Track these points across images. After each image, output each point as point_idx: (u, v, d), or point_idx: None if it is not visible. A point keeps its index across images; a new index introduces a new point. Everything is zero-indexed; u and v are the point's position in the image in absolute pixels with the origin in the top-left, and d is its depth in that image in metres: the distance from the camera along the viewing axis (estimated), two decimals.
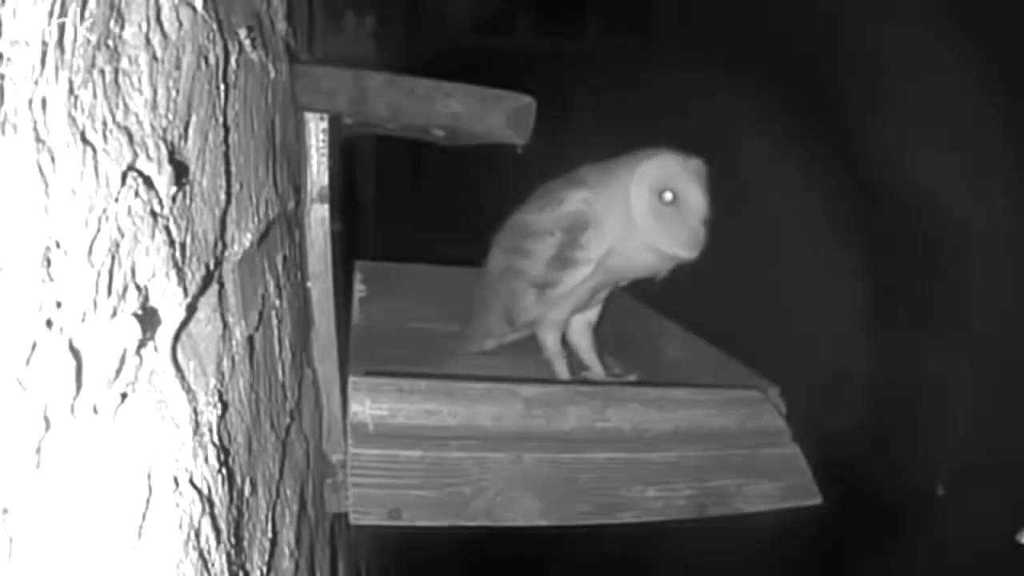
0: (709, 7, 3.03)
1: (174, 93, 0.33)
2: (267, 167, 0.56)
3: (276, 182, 0.59)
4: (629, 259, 0.72)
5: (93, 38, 0.25)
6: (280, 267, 0.62)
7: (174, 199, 0.33)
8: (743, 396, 0.65)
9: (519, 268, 0.77)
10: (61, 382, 0.23)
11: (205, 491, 0.36)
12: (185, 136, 0.35)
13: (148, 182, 0.30)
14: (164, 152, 0.31)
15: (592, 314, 0.84)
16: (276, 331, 0.58)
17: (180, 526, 0.32)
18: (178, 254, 0.33)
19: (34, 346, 0.22)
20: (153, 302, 0.30)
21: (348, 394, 0.57)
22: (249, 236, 0.49)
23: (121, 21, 0.28)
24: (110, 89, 0.27)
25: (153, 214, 0.30)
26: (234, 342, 0.44)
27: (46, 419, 0.23)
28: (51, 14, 0.23)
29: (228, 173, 0.43)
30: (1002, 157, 2.04)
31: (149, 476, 0.30)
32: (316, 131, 0.74)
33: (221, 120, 0.41)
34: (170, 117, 0.33)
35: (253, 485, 0.46)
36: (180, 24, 0.34)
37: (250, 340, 0.49)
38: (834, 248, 2.36)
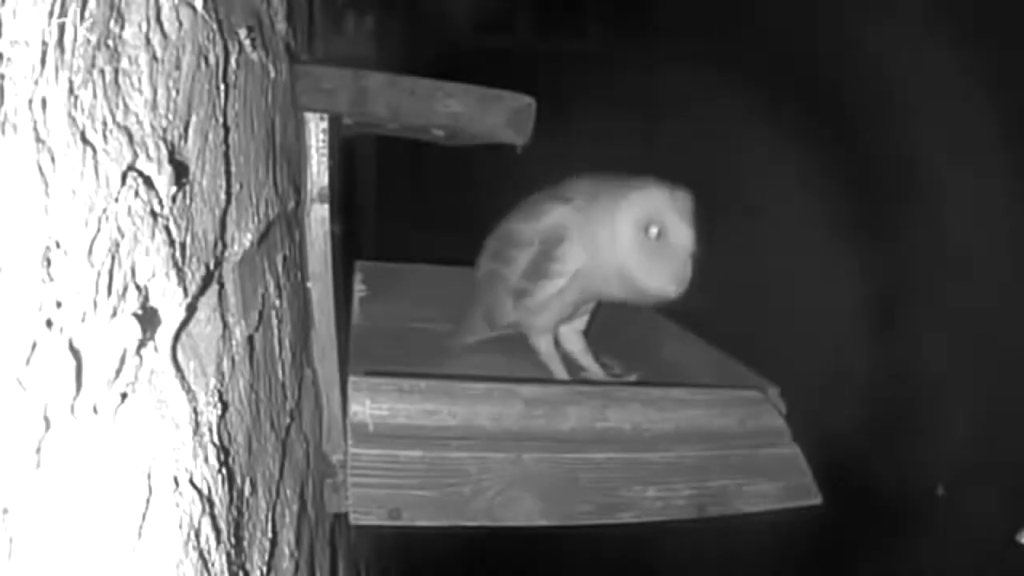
0: (709, 7, 3.03)
1: (174, 93, 0.33)
2: (267, 167, 0.56)
3: (276, 182, 0.59)
4: (605, 282, 0.72)
5: (93, 38, 0.25)
6: (280, 267, 0.62)
7: (174, 199, 0.33)
8: (743, 396, 0.65)
9: (501, 274, 0.78)
10: (61, 382, 0.23)
11: (205, 491, 0.36)
12: (185, 136, 0.35)
13: (148, 182, 0.30)
14: (164, 152, 0.31)
15: (579, 323, 0.85)
16: (276, 331, 0.58)
17: (180, 526, 0.32)
18: (178, 254, 0.33)
19: (34, 346, 0.22)
20: (153, 302, 0.30)
21: (348, 394, 0.57)
22: (249, 236, 0.49)
23: (121, 21, 0.28)
24: (110, 89, 0.27)
25: (153, 214, 0.30)
26: (234, 342, 0.44)
27: (46, 419, 0.23)
28: (51, 14, 0.23)
29: (228, 173, 0.43)
30: (1003, 157, 2.04)
31: (149, 476, 0.30)
32: (316, 131, 0.74)
33: (221, 120, 0.41)
34: (170, 117, 0.33)
35: (253, 485, 0.46)
36: (180, 24, 0.34)
37: (250, 340, 0.49)
38: (834, 248, 2.36)
